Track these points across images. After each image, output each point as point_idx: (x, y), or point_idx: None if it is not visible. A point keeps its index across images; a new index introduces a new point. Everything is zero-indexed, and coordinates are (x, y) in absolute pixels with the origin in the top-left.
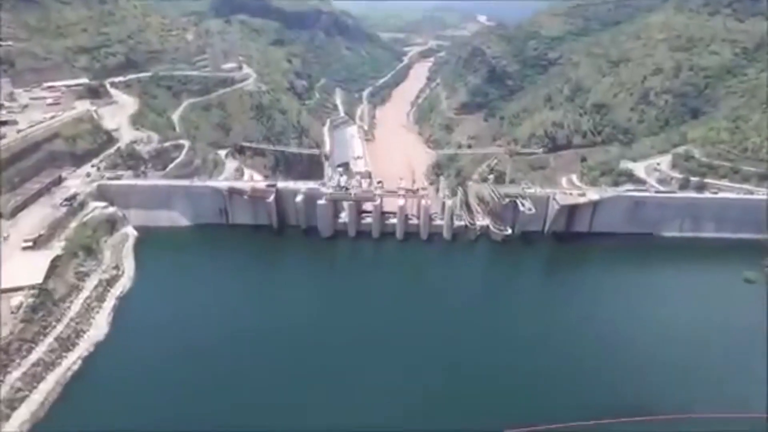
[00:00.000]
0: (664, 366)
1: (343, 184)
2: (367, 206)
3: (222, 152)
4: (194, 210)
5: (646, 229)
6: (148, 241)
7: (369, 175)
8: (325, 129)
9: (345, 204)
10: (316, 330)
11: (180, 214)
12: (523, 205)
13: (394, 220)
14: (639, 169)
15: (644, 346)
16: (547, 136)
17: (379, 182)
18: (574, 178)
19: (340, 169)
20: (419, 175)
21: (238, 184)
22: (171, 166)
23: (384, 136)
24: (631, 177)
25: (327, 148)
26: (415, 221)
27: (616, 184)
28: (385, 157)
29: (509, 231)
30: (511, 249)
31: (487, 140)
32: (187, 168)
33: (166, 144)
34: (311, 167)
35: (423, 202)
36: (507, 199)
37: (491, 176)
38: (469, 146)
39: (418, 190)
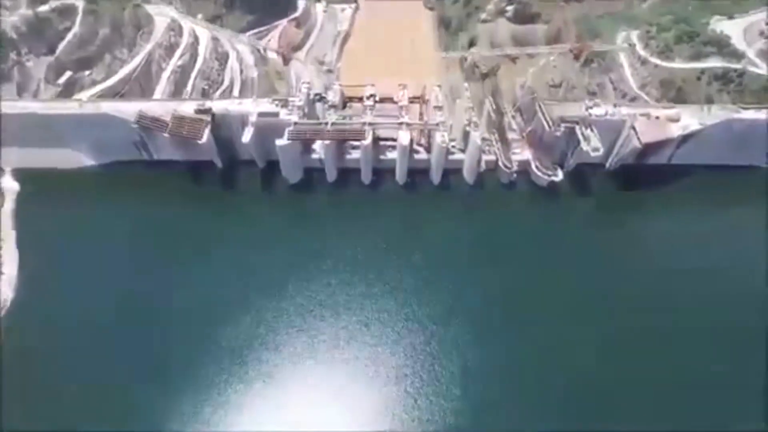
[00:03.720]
0: None
1: (315, 92)
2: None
3: None
4: (99, 143)
5: (749, 159)
6: (38, 197)
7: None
8: None
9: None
10: (275, 330)
11: (79, 152)
12: (586, 139)
13: (392, 155)
14: (734, 30)
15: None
16: None
17: (370, 95)
18: (635, 39)
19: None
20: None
21: (151, 108)
22: (61, 46)
23: None
24: (722, 47)
25: None
26: (423, 155)
27: (698, 56)
28: None
29: (560, 175)
30: (560, 198)
31: None
32: (87, 47)
33: (44, 8)
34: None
35: (438, 138)
36: (563, 126)
37: (510, 8)
38: None
39: (426, 101)
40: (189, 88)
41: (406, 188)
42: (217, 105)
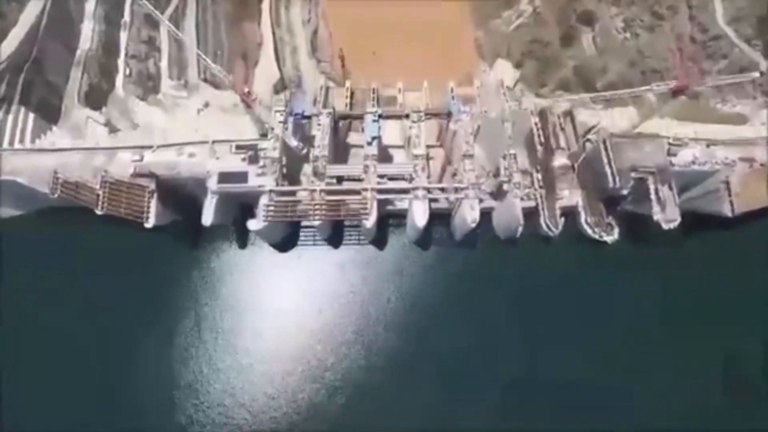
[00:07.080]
0: None
1: (296, 114)
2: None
3: None
4: (16, 198)
5: None
6: None
7: None
8: None
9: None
10: None
11: None
12: (661, 204)
13: (402, 203)
14: None
15: None
16: None
17: (373, 138)
18: None
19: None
20: None
21: (69, 164)
22: None
23: None
24: None
25: None
26: (443, 203)
27: None
28: None
29: (615, 235)
30: (610, 252)
31: None
32: None
33: None
34: None
35: (469, 215)
36: (633, 177)
37: None
38: None
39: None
40: (127, 17)
41: (418, 248)
42: (161, 160)
